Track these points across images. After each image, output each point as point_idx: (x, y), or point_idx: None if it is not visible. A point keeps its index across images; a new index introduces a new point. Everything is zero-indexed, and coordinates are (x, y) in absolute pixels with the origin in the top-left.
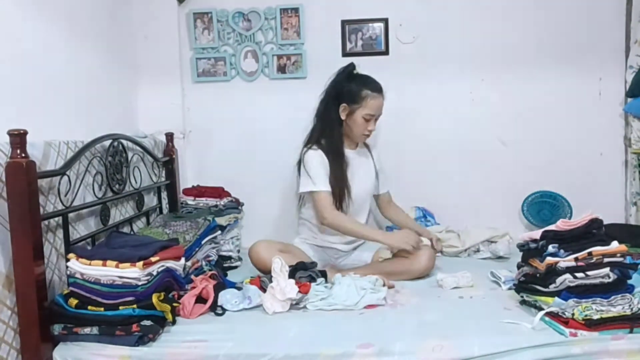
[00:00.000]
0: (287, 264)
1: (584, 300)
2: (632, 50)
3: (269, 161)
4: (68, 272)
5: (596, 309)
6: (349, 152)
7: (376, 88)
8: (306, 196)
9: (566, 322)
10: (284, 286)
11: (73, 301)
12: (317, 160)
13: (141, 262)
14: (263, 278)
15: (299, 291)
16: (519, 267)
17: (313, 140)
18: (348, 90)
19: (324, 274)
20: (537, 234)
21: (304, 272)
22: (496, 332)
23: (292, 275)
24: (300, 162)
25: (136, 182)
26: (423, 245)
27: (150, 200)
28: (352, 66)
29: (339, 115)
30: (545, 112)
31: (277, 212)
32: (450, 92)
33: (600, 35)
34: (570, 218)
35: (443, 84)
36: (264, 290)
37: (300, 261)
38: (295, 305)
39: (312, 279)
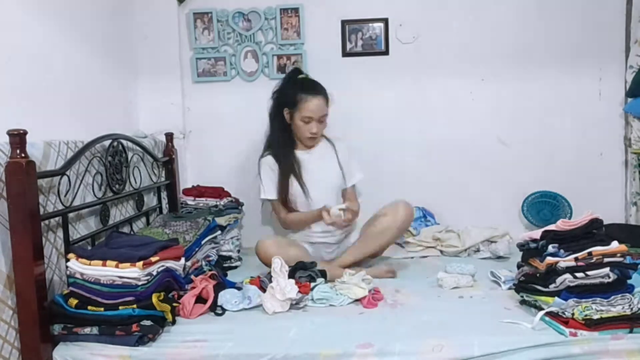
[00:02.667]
0: (287, 265)
1: (584, 300)
2: (632, 50)
3: None
4: (68, 272)
5: (596, 308)
6: (302, 154)
7: (310, 90)
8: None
9: (566, 322)
10: (284, 286)
11: (73, 301)
12: (265, 168)
13: (141, 262)
14: (263, 278)
15: (299, 291)
16: (519, 267)
17: (266, 146)
18: (287, 95)
19: (323, 274)
20: (537, 234)
21: (304, 272)
22: (496, 332)
23: (291, 275)
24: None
25: (136, 182)
26: (398, 200)
27: (150, 200)
28: (294, 71)
29: (285, 120)
30: (545, 112)
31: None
32: (450, 92)
33: (600, 35)
34: (570, 218)
35: (443, 84)
36: (263, 290)
37: (300, 261)
38: (295, 305)
39: (312, 279)
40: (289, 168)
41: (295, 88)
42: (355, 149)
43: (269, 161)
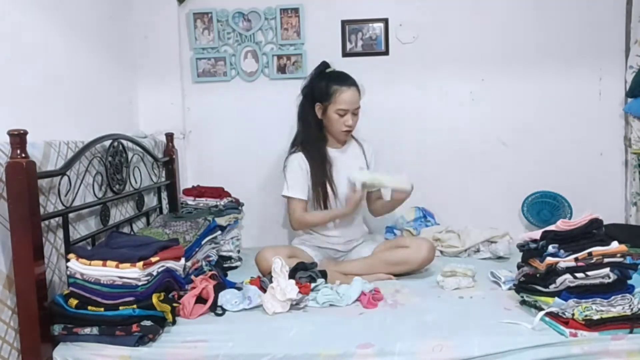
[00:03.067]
0: (287, 265)
1: (584, 300)
2: (632, 50)
3: (269, 161)
4: (68, 272)
5: (596, 309)
6: (333, 152)
7: (345, 82)
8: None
9: (566, 322)
10: (284, 286)
11: (73, 301)
12: (295, 164)
13: (141, 263)
14: (263, 278)
15: (299, 292)
16: (519, 267)
17: (296, 143)
18: (318, 88)
19: (324, 275)
20: (537, 234)
21: (304, 273)
22: (496, 332)
23: (292, 275)
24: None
25: (136, 182)
26: (422, 238)
27: (150, 201)
28: (323, 65)
29: (317, 116)
30: (545, 112)
31: (277, 212)
32: (450, 92)
33: (600, 35)
34: (570, 218)
35: (443, 84)
36: (264, 290)
37: (301, 261)
38: (295, 305)
39: (312, 280)
40: (321, 166)
41: (327, 81)
42: None
43: (299, 158)
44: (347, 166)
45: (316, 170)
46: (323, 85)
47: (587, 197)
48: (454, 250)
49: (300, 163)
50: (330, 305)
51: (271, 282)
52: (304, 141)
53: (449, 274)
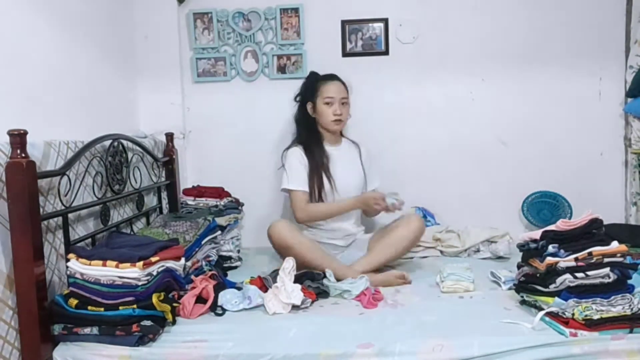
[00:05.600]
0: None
1: (584, 300)
2: (632, 50)
3: (269, 161)
4: (68, 272)
5: (596, 309)
6: (329, 148)
7: (328, 77)
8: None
9: (566, 322)
10: (290, 290)
11: (73, 301)
12: (294, 157)
13: (141, 262)
14: (266, 276)
15: (304, 296)
16: (519, 267)
17: (295, 143)
18: (306, 89)
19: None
20: (537, 234)
21: (312, 282)
22: (496, 332)
23: (297, 280)
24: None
25: (136, 183)
26: (408, 213)
27: (150, 201)
28: (311, 74)
29: (310, 115)
30: (545, 112)
31: (277, 212)
32: (450, 92)
33: (600, 35)
34: (570, 218)
35: (443, 84)
36: (265, 288)
37: (309, 271)
38: (296, 305)
39: (319, 291)
40: (319, 160)
41: (313, 80)
42: None
43: (298, 152)
44: (343, 162)
45: (314, 162)
46: (309, 85)
47: (587, 197)
48: (454, 250)
49: (298, 156)
50: (342, 293)
51: (275, 281)
52: (302, 139)
53: (451, 289)
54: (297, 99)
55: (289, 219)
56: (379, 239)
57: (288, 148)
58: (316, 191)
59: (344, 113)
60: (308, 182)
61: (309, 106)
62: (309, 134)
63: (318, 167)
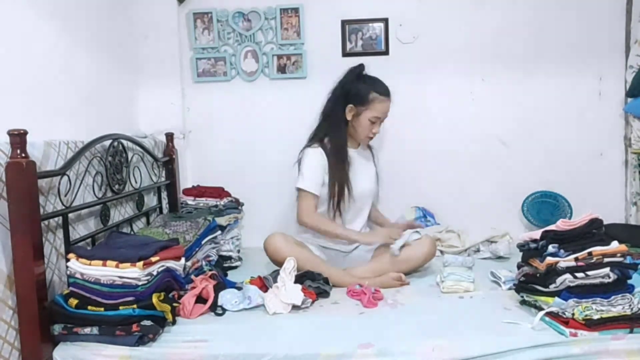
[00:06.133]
0: (296, 268)
1: (584, 300)
2: (632, 50)
3: (269, 161)
4: (68, 272)
5: (596, 309)
6: (351, 152)
7: (384, 91)
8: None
9: (566, 322)
10: (290, 290)
11: (73, 301)
12: (314, 159)
13: (141, 262)
14: (267, 276)
15: (305, 296)
16: (519, 267)
17: (317, 138)
18: (356, 91)
19: (327, 281)
20: (537, 234)
21: (313, 282)
22: (496, 332)
23: (298, 281)
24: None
25: (136, 182)
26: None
27: (150, 200)
28: (361, 67)
29: (345, 116)
30: (546, 112)
31: (277, 212)
32: (450, 92)
33: (600, 35)
34: (570, 218)
35: (443, 84)
36: (266, 288)
37: (309, 270)
38: (296, 305)
39: (320, 292)
40: (342, 165)
41: (368, 86)
42: None
43: (319, 153)
44: (361, 168)
45: (336, 168)
46: (362, 89)
47: (587, 197)
48: (454, 250)
49: (319, 158)
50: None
51: (275, 281)
52: (328, 138)
53: (451, 289)
54: (338, 92)
55: (283, 230)
56: (385, 252)
57: (309, 146)
58: (336, 199)
59: (378, 132)
60: (327, 187)
61: (349, 108)
62: (336, 135)
63: (340, 174)
